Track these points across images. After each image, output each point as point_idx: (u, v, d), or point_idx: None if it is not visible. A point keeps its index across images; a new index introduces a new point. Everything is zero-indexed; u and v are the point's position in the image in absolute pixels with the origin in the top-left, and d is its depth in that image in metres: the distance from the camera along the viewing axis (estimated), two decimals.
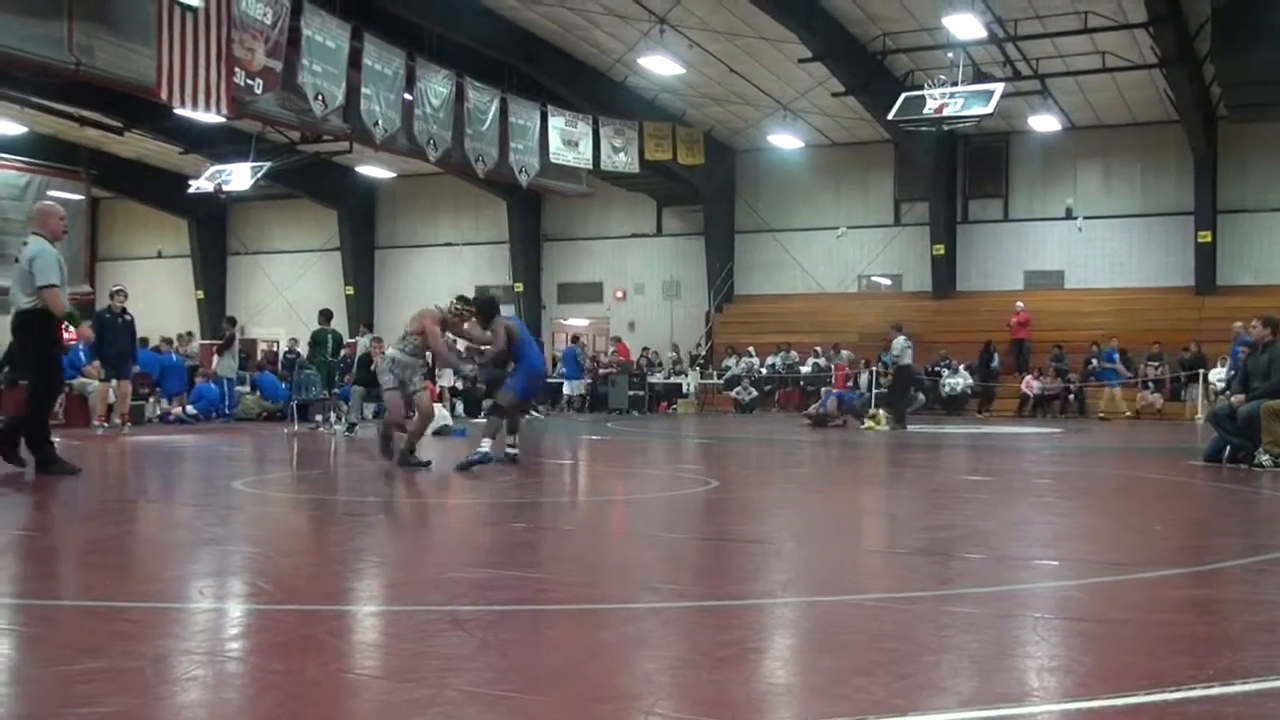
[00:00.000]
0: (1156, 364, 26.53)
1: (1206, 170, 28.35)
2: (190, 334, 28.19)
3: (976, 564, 5.74)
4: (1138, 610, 4.53)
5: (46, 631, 4.02)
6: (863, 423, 21.06)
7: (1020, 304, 28.70)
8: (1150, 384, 26.31)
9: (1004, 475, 11.73)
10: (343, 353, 20.95)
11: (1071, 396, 26.83)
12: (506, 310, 35.24)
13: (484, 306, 11.22)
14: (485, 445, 10.49)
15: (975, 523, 7.51)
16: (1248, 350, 12.73)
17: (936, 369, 27.73)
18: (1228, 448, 11.62)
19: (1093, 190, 30.28)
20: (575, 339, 32.33)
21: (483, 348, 11.90)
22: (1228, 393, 13.06)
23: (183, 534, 6.74)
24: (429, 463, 10.65)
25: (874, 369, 27.26)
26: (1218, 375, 24.68)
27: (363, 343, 21.81)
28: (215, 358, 21.35)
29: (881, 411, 22.02)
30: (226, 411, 20.82)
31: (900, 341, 20.60)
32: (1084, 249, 30.18)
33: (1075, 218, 30.19)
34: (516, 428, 11.20)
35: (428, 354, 11.07)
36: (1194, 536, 7.17)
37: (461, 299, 11.30)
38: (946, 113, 21.11)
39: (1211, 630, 4.23)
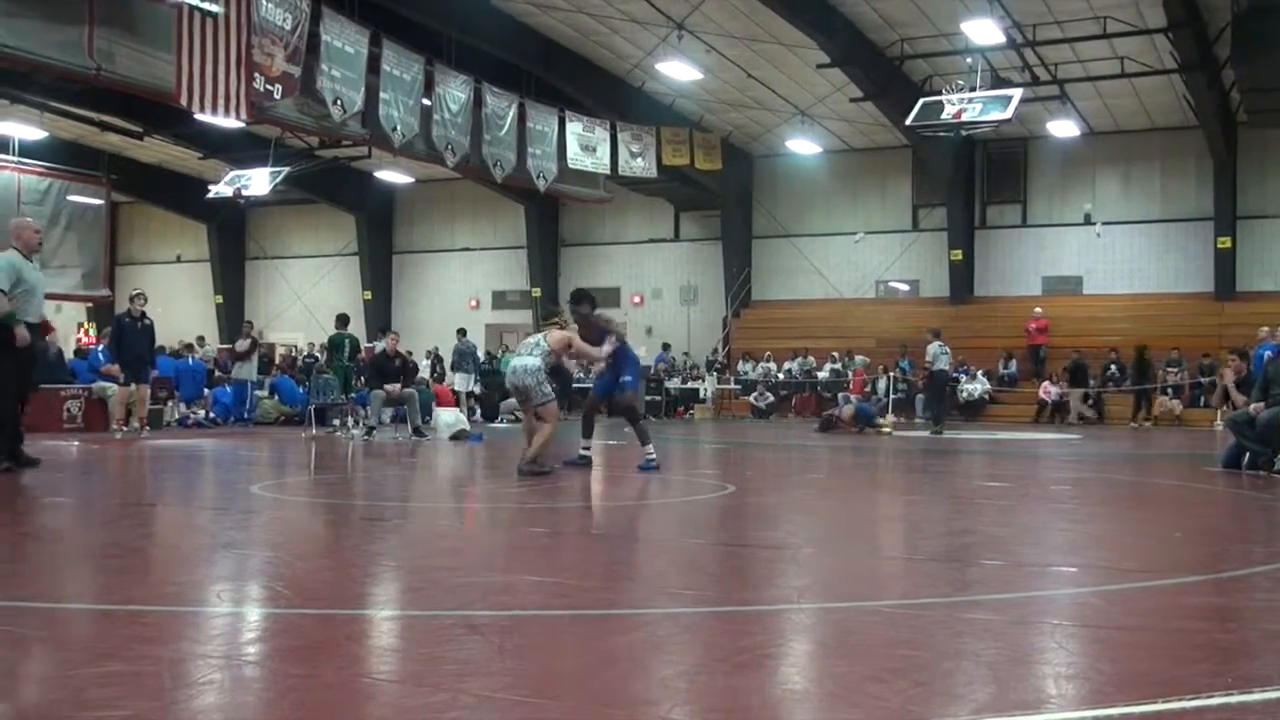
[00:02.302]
0: (1175, 370, 26.41)
1: (1226, 176, 28.22)
2: (202, 338, 28.30)
3: (994, 570, 5.72)
4: (1156, 617, 4.51)
5: (62, 634, 4.03)
6: (878, 428, 21.01)
7: (1039, 309, 28.59)
8: (1169, 390, 26.19)
9: (1021, 481, 11.68)
10: (360, 357, 21.00)
11: (1089, 402, 26.72)
12: (523, 315, 35.37)
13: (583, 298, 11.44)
14: (651, 450, 11.03)
15: (992, 529, 7.48)
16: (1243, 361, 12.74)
17: (954, 375, 27.63)
18: (1246, 454, 11.57)
19: (1111, 196, 30.16)
20: (666, 346, 32.43)
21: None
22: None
23: (200, 538, 6.76)
24: (553, 469, 10.52)
25: (892, 375, 27.21)
26: None
27: (380, 345, 21.85)
28: (236, 363, 21.38)
29: (890, 417, 22.07)
30: (246, 415, 20.88)
31: (934, 347, 20.53)
32: (1102, 255, 30.07)
33: (1094, 223, 30.08)
34: (647, 435, 11.38)
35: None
36: (1213, 543, 7.12)
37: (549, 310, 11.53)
38: (965, 118, 21.05)
39: (1230, 638, 4.20)
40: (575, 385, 25.89)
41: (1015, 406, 27.53)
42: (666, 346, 32.44)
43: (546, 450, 10.45)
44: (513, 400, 25.43)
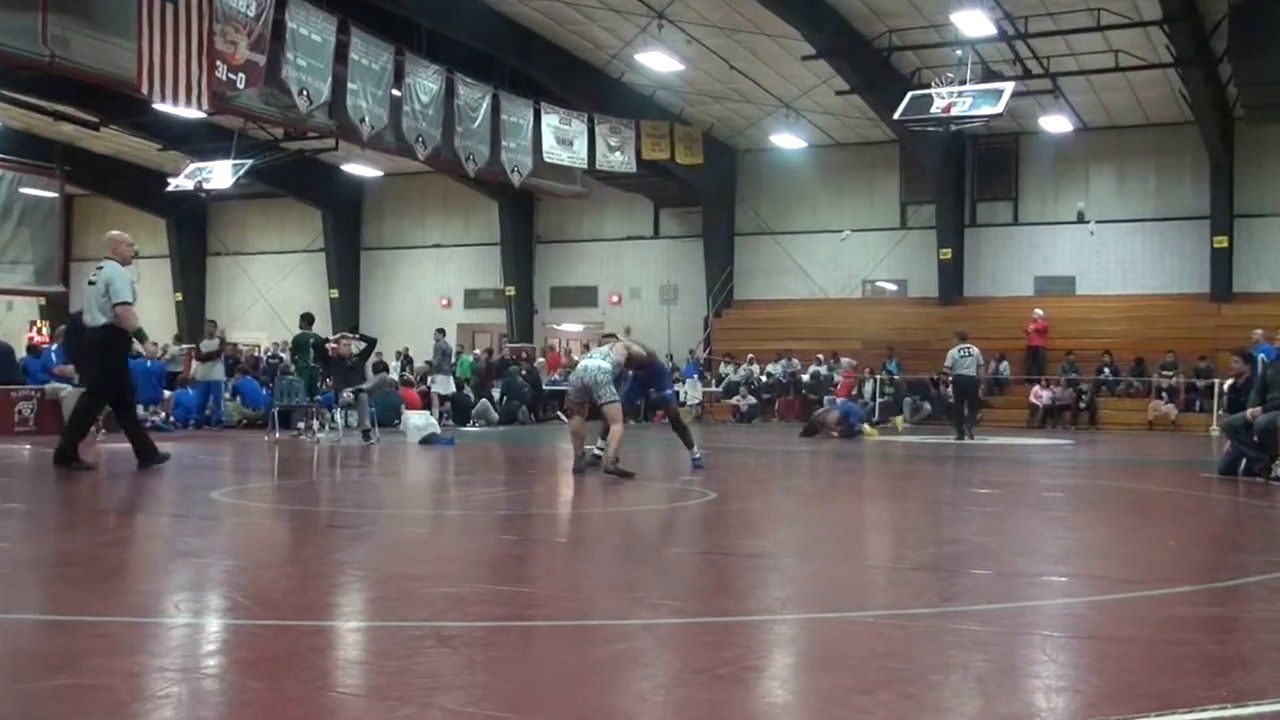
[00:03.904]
0: (1170, 373, 26.55)
1: (1223, 173, 28.35)
2: (179, 337, 28.13)
3: (983, 580, 5.74)
4: (1149, 628, 4.54)
5: (14, 646, 4.01)
6: (863, 433, 21.07)
7: (1039, 311, 28.55)
8: (1164, 394, 26.32)
9: (1012, 488, 11.73)
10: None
11: (1083, 406, 26.84)
12: (497, 314, 35.29)
13: None
14: (697, 451, 12.53)
15: (982, 537, 7.52)
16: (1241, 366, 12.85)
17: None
18: (1243, 460, 11.64)
19: (1105, 193, 30.30)
20: (693, 353, 32.26)
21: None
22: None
23: (158, 546, 6.73)
24: (633, 473, 10.96)
25: (879, 377, 27.28)
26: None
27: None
28: (204, 364, 21.23)
29: (888, 421, 22.14)
30: (217, 419, 20.74)
31: (953, 352, 20.55)
32: (1096, 254, 30.18)
33: (1087, 222, 30.20)
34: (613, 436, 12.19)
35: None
36: (1208, 552, 7.17)
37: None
38: (954, 112, 21.11)
39: (1225, 649, 4.23)
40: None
41: (1007, 411, 27.62)
42: (693, 353, 32.36)
43: (620, 448, 11.17)
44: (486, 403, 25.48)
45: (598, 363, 11.43)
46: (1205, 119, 26.05)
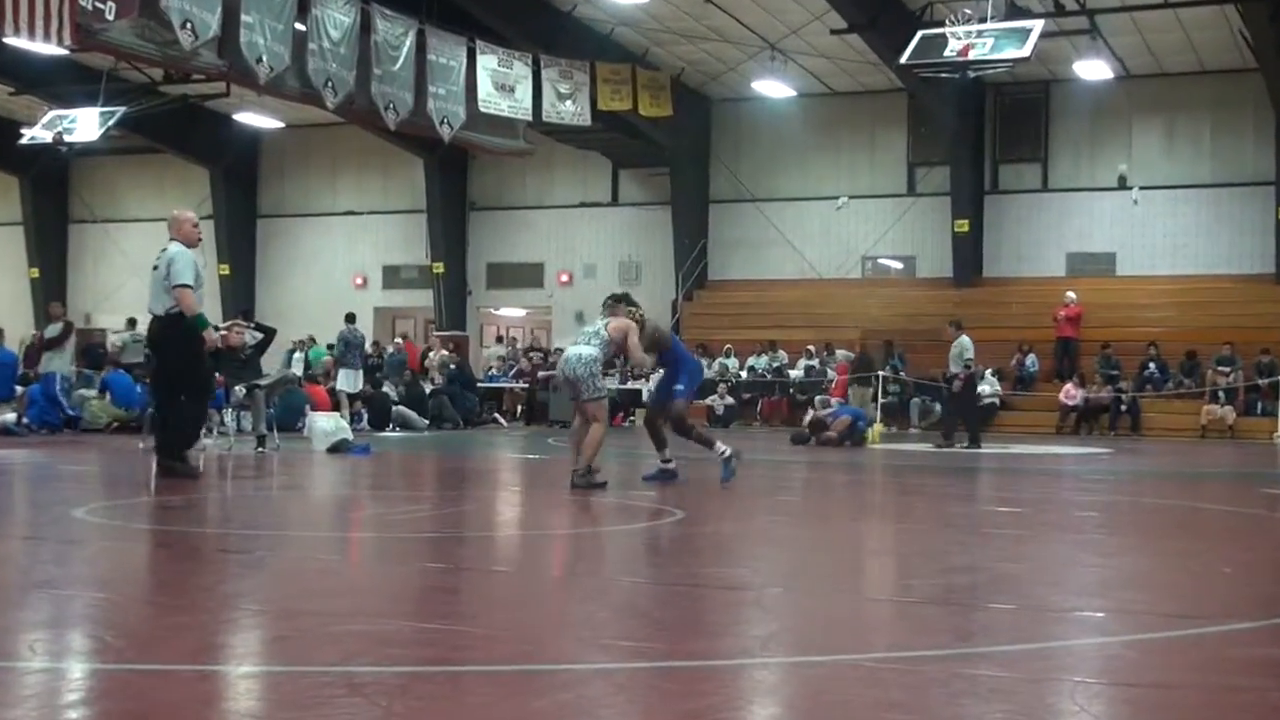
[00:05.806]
0: (1228, 370, 26.74)
1: None
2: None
3: (1004, 616, 5.78)
4: (1200, 673, 4.58)
5: None
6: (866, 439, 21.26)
7: (1071, 294, 28.64)
8: (1220, 395, 26.50)
9: (1039, 506, 11.82)
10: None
11: (1124, 409, 26.99)
12: (423, 296, 35.05)
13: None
14: (725, 448, 12.14)
15: (1003, 565, 7.57)
16: None
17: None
18: None
19: (1151, 154, 30.50)
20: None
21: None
22: None
23: (8, 574, 6.68)
24: (605, 483, 11.19)
25: (881, 374, 27.36)
26: None
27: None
28: (46, 353, 21.00)
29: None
30: (74, 419, 20.51)
31: (966, 340, 20.62)
32: (1140, 227, 30.39)
33: (1130, 188, 30.41)
34: (666, 442, 12.26)
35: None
36: (1271, 582, 7.25)
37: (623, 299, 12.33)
38: (973, 56, 21.16)
39: None
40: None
41: (1032, 414, 27.76)
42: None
43: (598, 457, 11.26)
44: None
45: (581, 350, 11.29)
46: (1270, 66, 26.22)
